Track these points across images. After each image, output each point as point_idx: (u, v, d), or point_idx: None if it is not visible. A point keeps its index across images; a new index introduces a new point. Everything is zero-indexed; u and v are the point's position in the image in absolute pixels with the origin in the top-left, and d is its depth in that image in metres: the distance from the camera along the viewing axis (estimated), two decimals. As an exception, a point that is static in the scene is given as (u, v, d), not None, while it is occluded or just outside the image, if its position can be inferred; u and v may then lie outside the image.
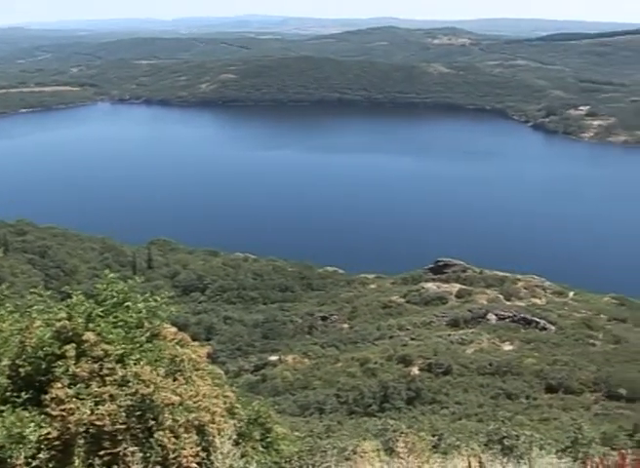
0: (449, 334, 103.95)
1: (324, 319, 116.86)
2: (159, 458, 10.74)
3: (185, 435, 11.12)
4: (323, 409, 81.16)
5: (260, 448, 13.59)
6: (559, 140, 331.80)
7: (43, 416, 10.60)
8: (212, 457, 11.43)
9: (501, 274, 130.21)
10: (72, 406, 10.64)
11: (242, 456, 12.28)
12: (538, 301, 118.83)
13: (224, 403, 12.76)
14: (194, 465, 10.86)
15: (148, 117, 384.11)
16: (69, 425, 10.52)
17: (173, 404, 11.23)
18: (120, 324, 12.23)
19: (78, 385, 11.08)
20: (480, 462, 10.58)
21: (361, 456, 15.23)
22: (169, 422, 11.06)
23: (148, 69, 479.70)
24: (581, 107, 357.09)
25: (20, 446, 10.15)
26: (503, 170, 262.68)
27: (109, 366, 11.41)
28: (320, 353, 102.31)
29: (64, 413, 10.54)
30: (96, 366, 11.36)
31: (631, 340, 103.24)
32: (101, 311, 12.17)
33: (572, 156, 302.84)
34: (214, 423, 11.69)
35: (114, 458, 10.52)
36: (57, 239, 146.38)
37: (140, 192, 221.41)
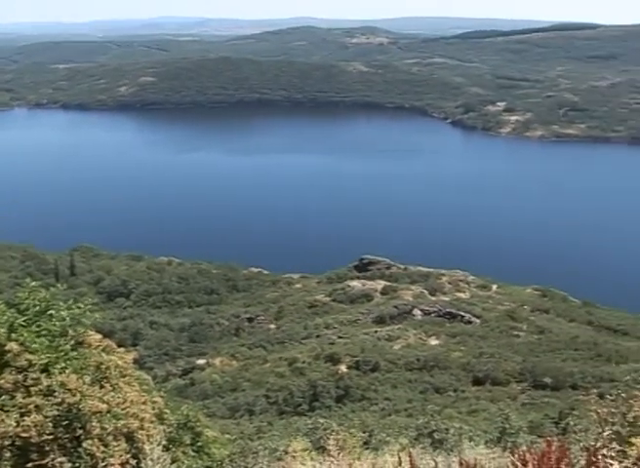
0: (375, 331, 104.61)
1: (250, 320, 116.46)
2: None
3: (114, 443, 10.97)
4: (253, 410, 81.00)
5: (191, 453, 13.51)
6: (478, 136, 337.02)
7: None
8: (142, 464, 11.29)
9: (426, 270, 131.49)
10: (-3, 418, 10.42)
11: (173, 462, 12.18)
12: (462, 295, 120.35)
13: (153, 408, 12.63)
14: (124, 473, 10.73)
15: (66, 122, 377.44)
16: (-6, 438, 10.30)
17: (100, 412, 11.07)
18: (43, 333, 12.01)
19: (2, 397, 10.85)
20: (410, 457, 10.64)
21: (292, 456, 15.23)
22: (97, 431, 10.90)
23: (65, 73, 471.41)
24: (499, 103, 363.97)
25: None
26: (424, 166, 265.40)
27: (34, 376, 11.20)
28: (248, 354, 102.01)
29: (-12, 426, 10.31)
30: (20, 376, 11.13)
31: (554, 330, 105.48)
32: (24, 320, 11.93)
33: (491, 151, 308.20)
34: (143, 429, 11.56)
35: (42, 470, 10.33)
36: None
37: (59, 198, 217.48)
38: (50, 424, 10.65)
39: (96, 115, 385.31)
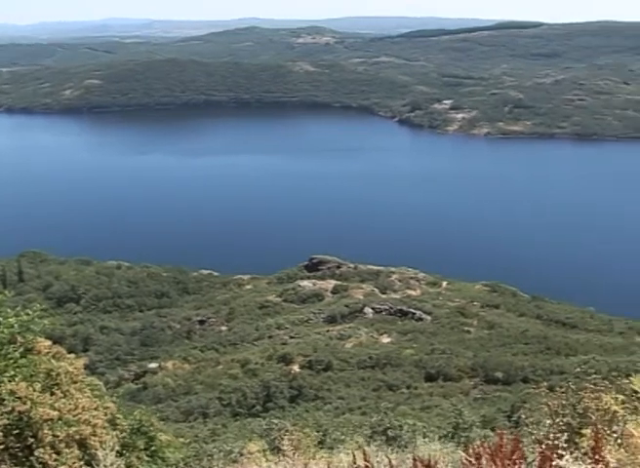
0: (327, 331, 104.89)
1: (202, 322, 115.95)
2: (41, 476, 10.46)
3: (67, 450, 10.86)
4: (207, 412, 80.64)
5: (145, 458, 13.42)
6: (425, 134, 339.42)
7: None
8: (95, 471, 11.20)
9: (376, 268, 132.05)
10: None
11: (127, 467, 12.09)
12: (412, 293, 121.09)
13: (105, 414, 12.52)
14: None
15: (11, 125, 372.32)
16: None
17: (52, 419, 10.95)
18: (-9, 341, 11.84)
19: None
20: (365, 455, 10.68)
21: (247, 458, 15.22)
22: (49, 438, 10.78)
23: (9, 77, 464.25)
24: (445, 101, 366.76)
25: None
26: (372, 165, 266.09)
27: (-18, 384, 11.04)
28: (200, 357, 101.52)
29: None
30: (-32, 386, 10.97)
31: (505, 325, 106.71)
32: (-30, 329, 11.76)
33: (438, 149, 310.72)
34: (95, 436, 11.46)
35: (-7, 480, 10.19)
36: None
37: (3, 203, 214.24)
38: (0, 433, 10.51)
39: (41, 119, 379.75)
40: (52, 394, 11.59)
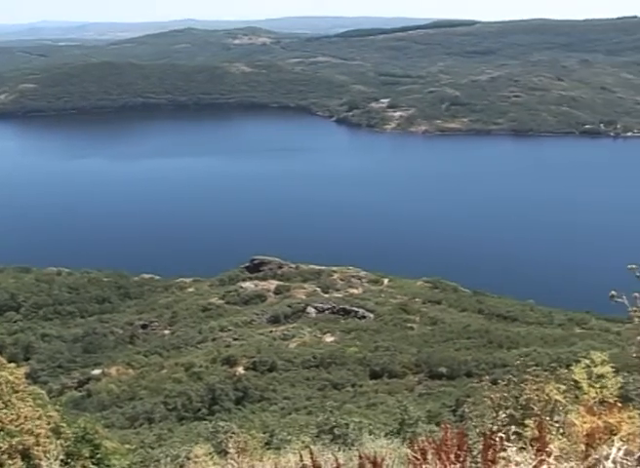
0: (271, 331, 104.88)
1: (144, 327, 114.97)
2: (-17, 488, 10.30)
3: (10, 461, 10.71)
4: (152, 418, 79.99)
5: (91, 466, 13.30)
6: (363, 133, 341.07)
7: None
8: (40, 480, 11.06)
9: (317, 267, 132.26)
10: None
11: (72, 476, 11.96)
12: (355, 291, 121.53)
13: (48, 423, 12.38)
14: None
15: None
16: None
17: (-7, 430, 10.78)
18: None
19: None
20: (311, 454, 10.71)
21: (194, 462, 15.16)
22: (-9, 449, 10.61)
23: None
24: (382, 100, 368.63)
25: None
26: (311, 165, 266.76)
27: None
28: (144, 362, 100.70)
29: None
30: None
31: (447, 321, 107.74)
32: None
33: (376, 147, 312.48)
34: (39, 445, 11.32)
35: None
36: None
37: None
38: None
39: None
40: (-7, 404, 11.41)
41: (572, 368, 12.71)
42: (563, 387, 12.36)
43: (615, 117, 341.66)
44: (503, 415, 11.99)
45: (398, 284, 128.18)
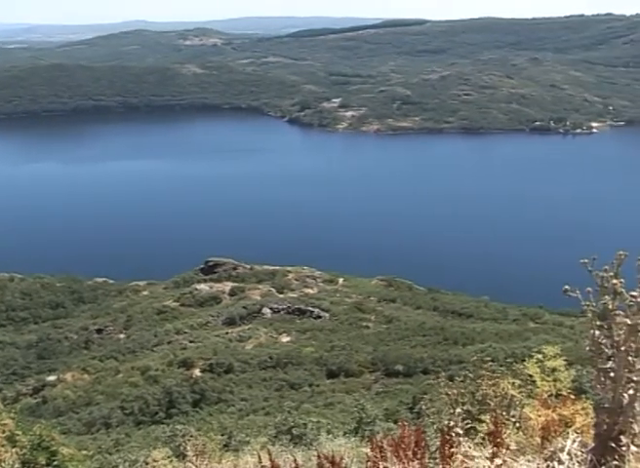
0: (226, 333, 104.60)
1: (99, 331, 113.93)
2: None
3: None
4: (109, 423, 79.28)
5: (48, 473, 13.16)
6: (316, 133, 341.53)
7: None
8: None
9: (272, 268, 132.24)
10: None
11: (29, 483, 11.85)
12: (310, 291, 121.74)
13: (3, 431, 12.25)
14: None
15: None
16: None
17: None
18: None
19: None
20: (270, 455, 10.73)
21: (153, 466, 15.10)
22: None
23: None
24: (334, 100, 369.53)
25: None
26: (263, 165, 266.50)
27: None
28: (99, 367, 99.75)
29: None
30: None
31: (402, 318, 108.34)
32: None
33: (328, 147, 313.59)
34: (-6, 453, 11.19)
35: None
36: None
37: None
38: None
39: None
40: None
41: (526, 362, 12.89)
42: (518, 382, 12.53)
43: (564, 114, 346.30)
44: (460, 411, 12.10)
45: (353, 283, 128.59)
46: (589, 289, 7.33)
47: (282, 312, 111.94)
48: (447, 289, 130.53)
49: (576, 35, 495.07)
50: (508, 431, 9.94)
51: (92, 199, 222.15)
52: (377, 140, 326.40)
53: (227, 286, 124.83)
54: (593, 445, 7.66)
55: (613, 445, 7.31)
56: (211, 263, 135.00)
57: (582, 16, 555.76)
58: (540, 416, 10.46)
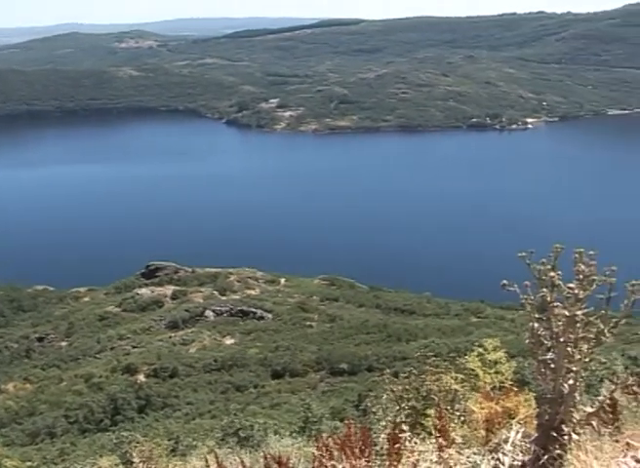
0: (170, 337, 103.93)
1: (40, 340, 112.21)
2: None
3: None
4: (54, 432, 78.03)
5: (-9, 485, 13.00)
6: (254, 134, 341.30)
7: None
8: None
9: (214, 270, 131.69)
10: None
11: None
12: (252, 292, 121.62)
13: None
14: None
15: None
16: None
17: None
18: None
19: None
20: (217, 458, 10.73)
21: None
22: None
23: None
24: (272, 100, 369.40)
25: None
26: (202, 167, 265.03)
27: None
28: (42, 376, 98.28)
29: None
30: None
31: (345, 317, 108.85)
32: None
33: (266, 147, 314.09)
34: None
35: None
36: None
37: None
38: None
39: None
40: None
41: (467, 356, 13.06)
42: (461, 376, 12.68)
43: (499, 110, 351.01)
44: (406, 407, 12.22)
45: (295, 283, 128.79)
46: (527, 282, 7.47)
47: (225, 314, 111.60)
48: (389, 286, 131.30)
49: (509, 33, 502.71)
50: (453, 425, 10.07)
51: (28, 204, 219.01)
52: (315, 140, 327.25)
53: (169, 289, 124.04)
54: (536, 435, 7.80)
55: (555, 434, 7.46)
56: (152, 267, 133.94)
57: (515, 14, 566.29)
58: (483, 409, 10.62)
